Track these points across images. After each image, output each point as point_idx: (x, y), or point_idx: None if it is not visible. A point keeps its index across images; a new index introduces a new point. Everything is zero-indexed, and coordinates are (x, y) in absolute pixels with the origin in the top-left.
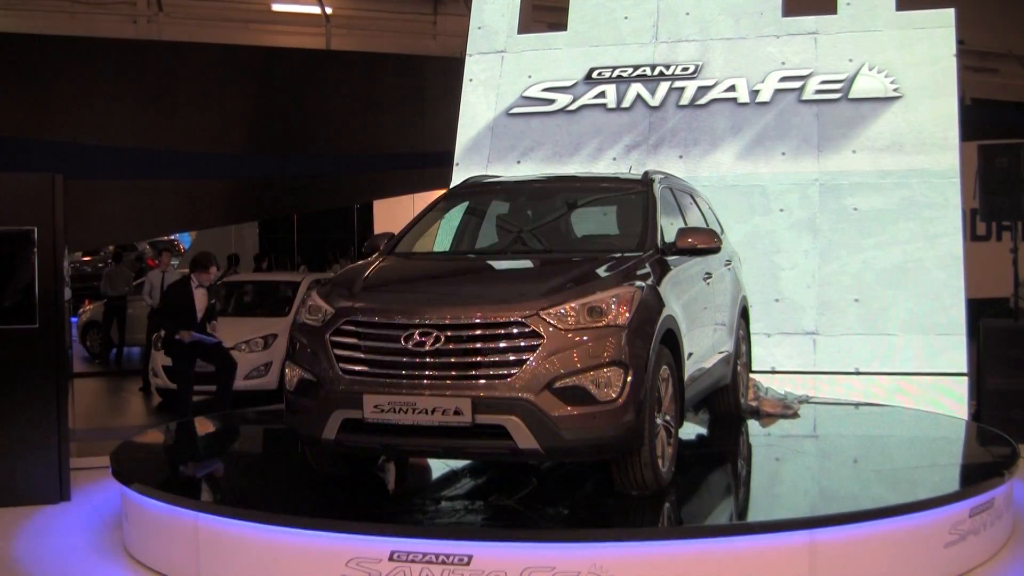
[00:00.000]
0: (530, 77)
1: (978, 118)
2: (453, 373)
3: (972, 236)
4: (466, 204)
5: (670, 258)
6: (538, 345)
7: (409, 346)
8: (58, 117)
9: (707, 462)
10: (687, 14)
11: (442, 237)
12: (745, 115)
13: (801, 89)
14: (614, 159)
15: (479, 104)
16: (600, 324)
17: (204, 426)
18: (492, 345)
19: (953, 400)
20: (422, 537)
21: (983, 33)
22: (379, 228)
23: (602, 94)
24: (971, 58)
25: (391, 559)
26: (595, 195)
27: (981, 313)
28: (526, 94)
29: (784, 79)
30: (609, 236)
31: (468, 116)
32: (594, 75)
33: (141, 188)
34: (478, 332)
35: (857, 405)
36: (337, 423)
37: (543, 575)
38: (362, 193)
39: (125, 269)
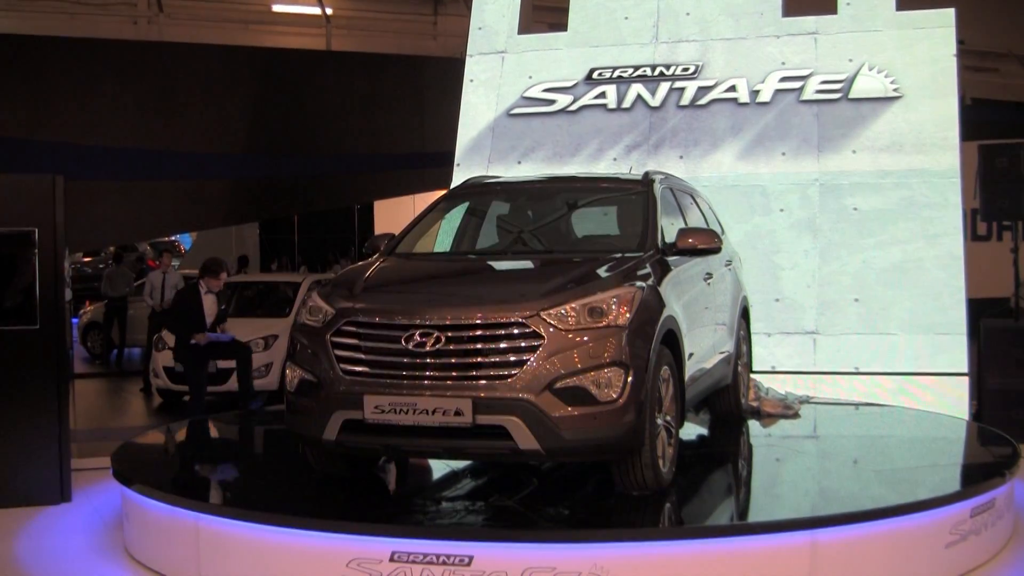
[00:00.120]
0: (531, 77)
1: (978, 118)
2: (454, 374)
3: (973, 236)
4: (467, 205)
5: (671, 258)
6: (539, 346)
7: (410, 347)
8: (59, 118)
9: (708, 462)
10: (687, 14)
11: (443, 238)
12: (745, 115)
13: (801, 89)
14: (615, 159)
15: (480, 104)
16: (601, 324)
17: (205, 427)
18: (493, 346)
19: (954, 400)
20: (423, 538)
21: (983, 33)
22: (379, 229)
23: (602, 94)
24: (971, 58)
25: (392, 560)
26: (596, 195)
27: (982, 313)
28: (527, 94)
29: (784, 79)
30: (610, 236)
31: (469, 116)
32: (594, 75)
33: (142, 189)
34: (479, 333)
35: (858, 405)
36: (338, 424)
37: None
38: (362, 194)
39: (126, 270)
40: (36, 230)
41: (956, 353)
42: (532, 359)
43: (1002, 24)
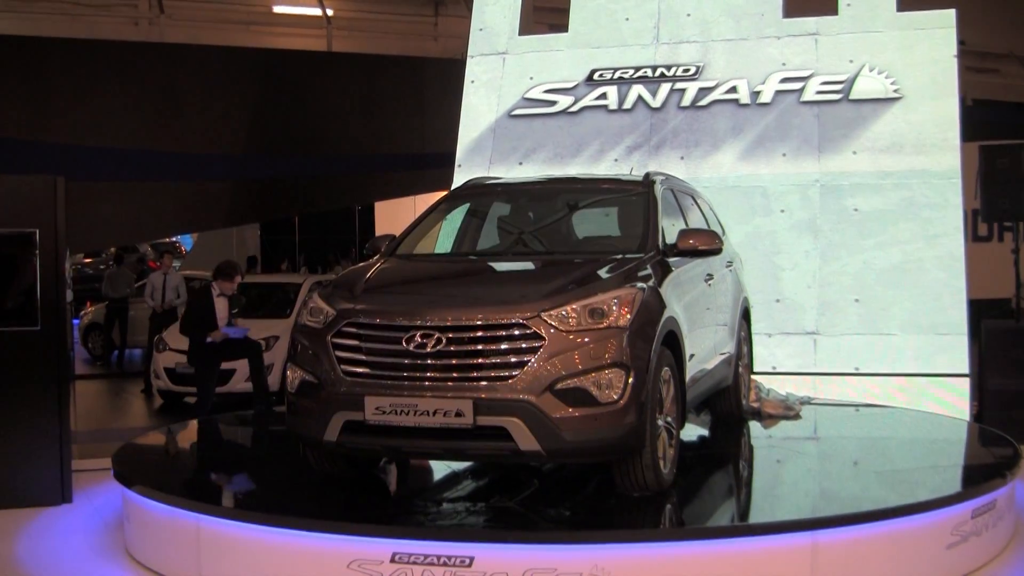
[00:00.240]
0: (531, 79)
1: (979, 119)
2: (454, 375)
3: (974, 237)
4: (467, 206)
5: (671, 259)
6: (539, 347)
7: (410, 348)
8: (60, 119)
9: (709, 463)
10: (688, 15)
11: (443, 239)
12: (746, 116)
13: (802, 90)
14: (615, 160)
15: (481, 106)
16: (601, 326)
17: (205, 428)
18: (493, 347)
19: (955, 401)
20: (424, 539)
21: (984, 34)
22: (380, 230)
23: (603, 95)
24: (972, 59)
25: (393, 561)
26: (596, 196)
27: (983, 314)
28: (528, 95)
29: (785, 80)
30: (610, 237)
31: (470, 117)
32: (595, 76)
33: (143, 190)
34: (479, 334)
35: (858, 407)
36: (338, 425)
37: None
38: (363, 195)
39: (127, 271)
40: (37, 231)
41: (957, 354)
42: (533, 360)
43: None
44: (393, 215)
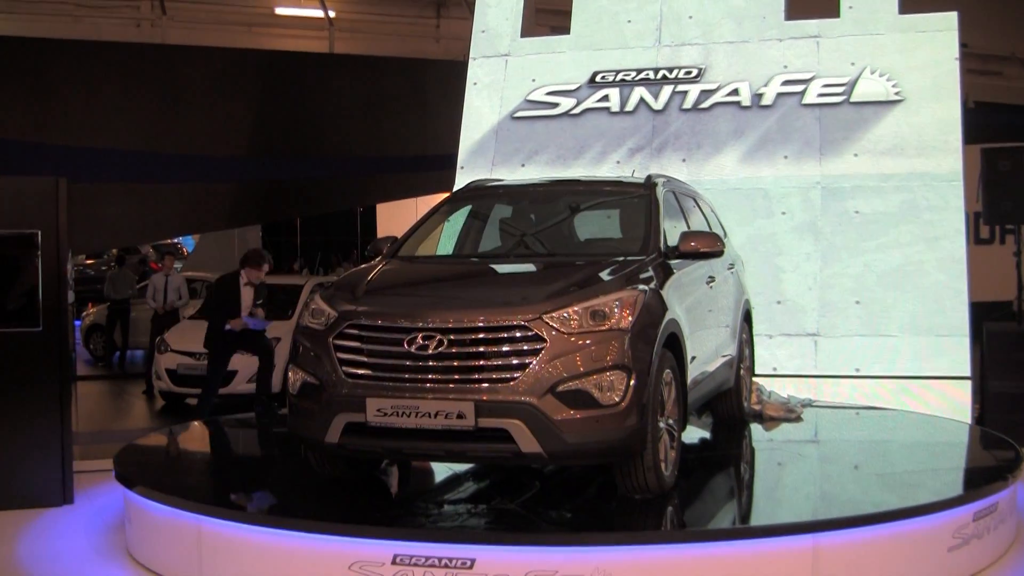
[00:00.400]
0: (534, 81)
1: (981, 121)
2: (456, 377)
3: (976, 240)
4: (469, 208)
5: (673, 262)
6: (541, 349)
7: (412, 350)
8: (61, 120)
9: (710, 466)
10: (690, 17)
11: (445, 241)
12: (748, 118)
13: (803, 92)
14: (617, 162)
15: (483, 107)
16: (603, 328)
17: (207, 430)
18: (495, 349)
19: (956, 404)
20: (425, 541)
21: (987, 36)
22: (382, 231)
23: (605, 98)
24: (975, 61)
25: (394, 563)
26: (598, 199)
27: (985, 316)
28: (530, 98)
29: (786, 82)
30: (612, 240)
31: (472, 119)
32: (597, 79)
33: (144, 191)
34: (481, 336)
35: (859, 409)
36: (340, 426)
37: None
38: (365, 196)
39: (128, 272)
40: (39, 232)
41: (958, 356)
42: (534, 362)
43: (1006, 27)
44: (395, 217)
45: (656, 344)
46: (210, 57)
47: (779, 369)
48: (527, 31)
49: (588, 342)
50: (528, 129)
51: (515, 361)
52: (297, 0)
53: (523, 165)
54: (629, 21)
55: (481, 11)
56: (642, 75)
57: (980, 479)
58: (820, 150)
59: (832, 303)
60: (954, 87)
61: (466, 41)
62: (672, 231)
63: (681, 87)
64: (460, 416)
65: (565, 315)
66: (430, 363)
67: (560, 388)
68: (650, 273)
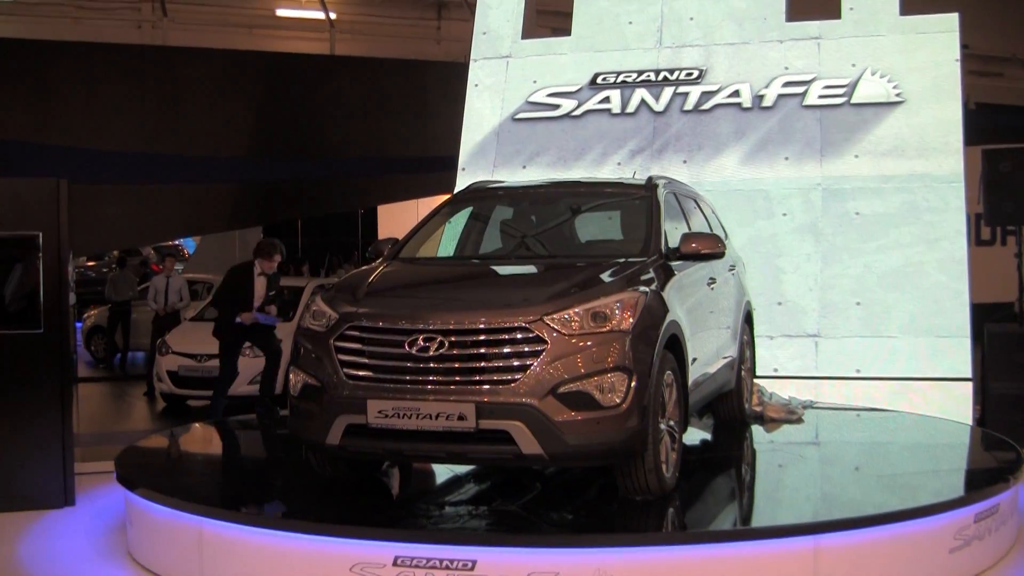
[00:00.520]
0: (535, 82)
1: (983, 122)
2: (457, 378)
3: (977, 241)
4: (470, 209)
5: (674, 263)
6: (542, 350)
7: (413, 351)
8: (63, 122)
9: (711, 467)
10: (691, 19)
11: (446, 242)
12: (749, 120)
13: (804, 94)
14: (619, 164)
15: (484, 109)
16: (604, 329)
17: (208, 431)
18: (496, 350)
19: (957, 405)
20: (426, 542)
21: (988, 37)
22: (383, 233)
23: (607, 99)
24: (976, 62)
25: (395, 564)
26: (599, 200)
27: (986, 317)
28: (531, 99)
29: (787, 84)
30: (613, 241)
31: (473, 121)
32: (599, 80)
33: (145, 193)
34: (482, 337)
35: (861, 411)
36: (341, 428)
37: None
38: (366, 198)
39: (130, 274)
40: (40, 234)
41: (959, 357)
42: (535, 364)
43: (1007, 28)
44: (395, 218)
45: (657, 346)
46: (211, 59)
47: (780, 370)
48: (528, 33)
49: (589, 344)
50: (529, 131)
51: (516, 363)
52: (298, 2)
53: (524, 167)
54: (630, 23)
55: (482, 13)
56: (643, 77)
57: (981, 480)
58: (821, 151)
59: (833, 304)
60: (955, 88)
61: (467, 43)
62: (673, 232)
63: (682, 88)
64: (461, 418)
65: (566, 317)
66: (431, 365)
67: (561, 390)
68: (651, 275)
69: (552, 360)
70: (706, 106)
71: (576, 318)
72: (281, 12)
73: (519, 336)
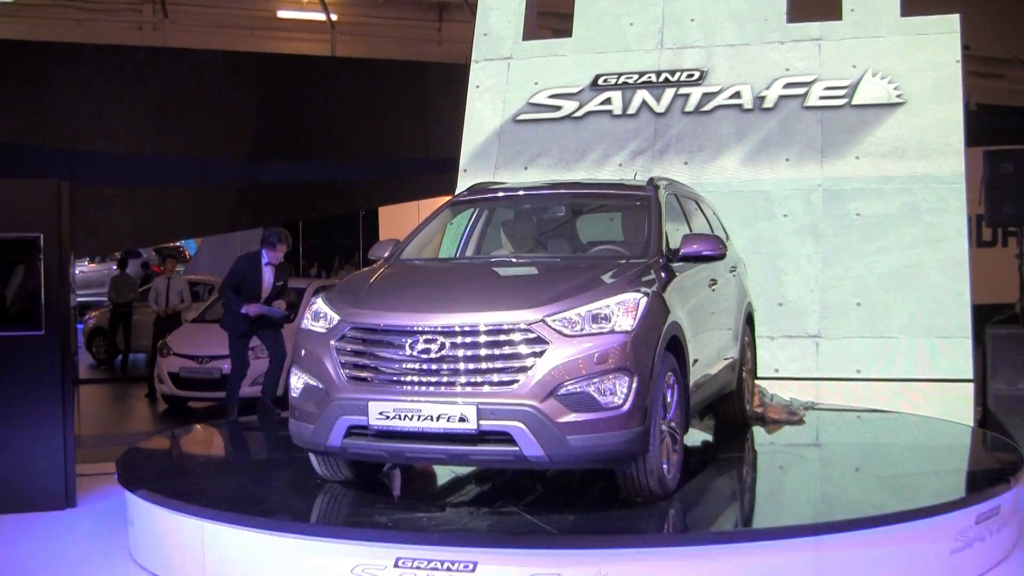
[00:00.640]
0: (536, 83)
1: (984, 124)
2: (458, 379)
3: (978, 242)
4: (471, 211)
5: (675, 264)
6: (543, 351)
7: (414, 353)
8: (64, 123)
9: (712, 468)
10: (691, 20)
11: (448, 243)
12: (750, 121)
13: (805, 95)
14: (620, 165)
15: (486, 110)
16: (605, 330)
17: (209, 433)
18: (497, 351)
19: (958, 406)
20: (427, 544)
21: (989, 38)
22: (384, 234)
23: (608, 100)
24: (977, 63)
25: (396, 566)
26: (600, 201)
27: (987, 318)
28: (532, 100)
29: (788, 85)
30: (614, 242)
31: (475, 122)
32: (600, 82)
33: (147, 194)
34: (483, 338)
35: (861, 412)
36: (342, 430)
37: None
38: (367, 199)
39: (130, 276)
40: (41, 236)
41: (960, 358)
42: (537, 365)
43: (1008, 29)
44: (397, 220)
45: (658, 347)
46: (212, 60)
47: (781, 370)
48: (529, 34)
49: (590, 345)
50: (530, 132)
51: (517, 364)
52: (299, 3)
53: (526, 168)
54: (631, 24)
55: (483, 14)
56: (644, 78)
57: (982, 482)
58: (822, 152)
59: (833, 305)
60: (956, 90)
61: (468, 44)
62: (674, 234)
63: (683, 90)
64: (462, 419)
65: (567, 318)
66: (432, 366)
67: (562, 391)
68: (652, 276)
69: (553, 361)
70: (707, 107)
71: (577, 319)
72: (282, 14)
73: (520, 337)
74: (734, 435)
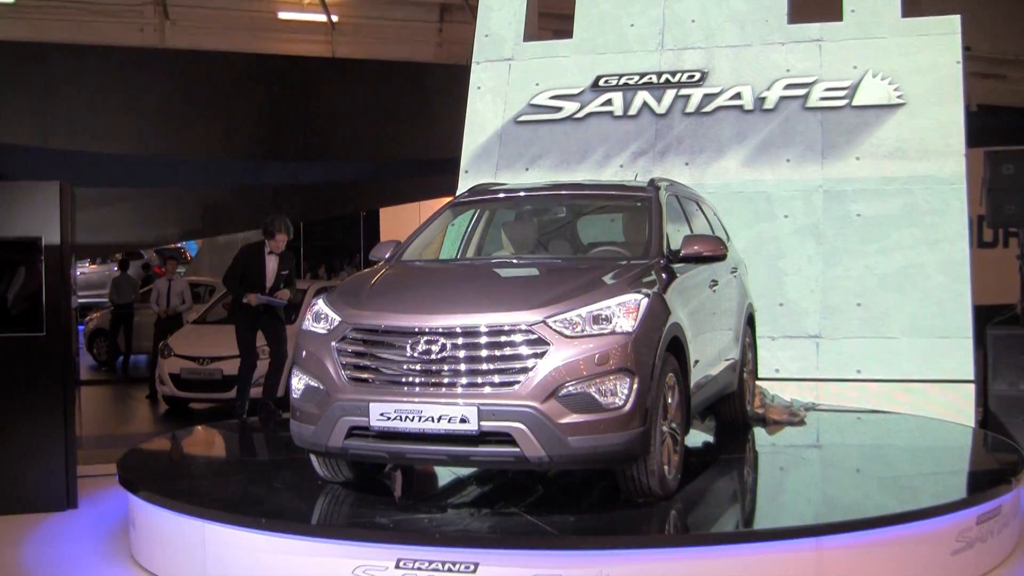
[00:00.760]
0: (537, 85)
1: (985, 124)
2: (459, 380)
3: (979, 243)
4: (472, 212)
5: (676, 265)
6: (544, 352)
7: (415, 354)
8: (65, 125)
9: (713, 469)
10: (692, 21)
11: (448, 244)
12: (750, 122)
13: (806, 96)
14: (621, 166)
15: (487, 112)
16: (606, 331)
17: (210, 434)
18: (498, 352)
19: (960, 407)
20: (428, 545)
21: (990, 39)
22: (385, 235)
23: (609, 102)
24: (978, 64)
25: (397, 567)
26: (601, 203)
27: (988, 319)
28: (533, 102)
29: (789, 86)
30: (615, 243)
31: (476, 123)
32: (601, 83)
33: (148, 196)
34: (484, 339)
35: (861, 414)
36: (343, 430)
37: None
38: (368, 200)
39: (131, 277)
40: (42, 237)
41: (961, 359)
42: (538, 366)
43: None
44: (398, 221)
45: (659, 348)
46: (213, 61)
47: (781, 371)
48: (530, 35)
49: (591, 346)
50: (531, 133)
51: (518, 365)
52: (300, 5)
53: (527, 169)
54: (632, 25)
55: (484, 15)
56: (645, 79)
57: (983, 482)
58: (822, 153)
59: (834, 305)
60: (957, 90)
61: (469, 45)
62: (675, 235)
63: (684, 91)
64: (463, 420)
65: (568, 319)
66: (433, 367)
67: (563, 392)
68: (653, 277)
69: (554, 362)
70: (708, 108)
71: (578, 320)
72: (283, 15)
73: (521, 338)
74: (735, 436)
